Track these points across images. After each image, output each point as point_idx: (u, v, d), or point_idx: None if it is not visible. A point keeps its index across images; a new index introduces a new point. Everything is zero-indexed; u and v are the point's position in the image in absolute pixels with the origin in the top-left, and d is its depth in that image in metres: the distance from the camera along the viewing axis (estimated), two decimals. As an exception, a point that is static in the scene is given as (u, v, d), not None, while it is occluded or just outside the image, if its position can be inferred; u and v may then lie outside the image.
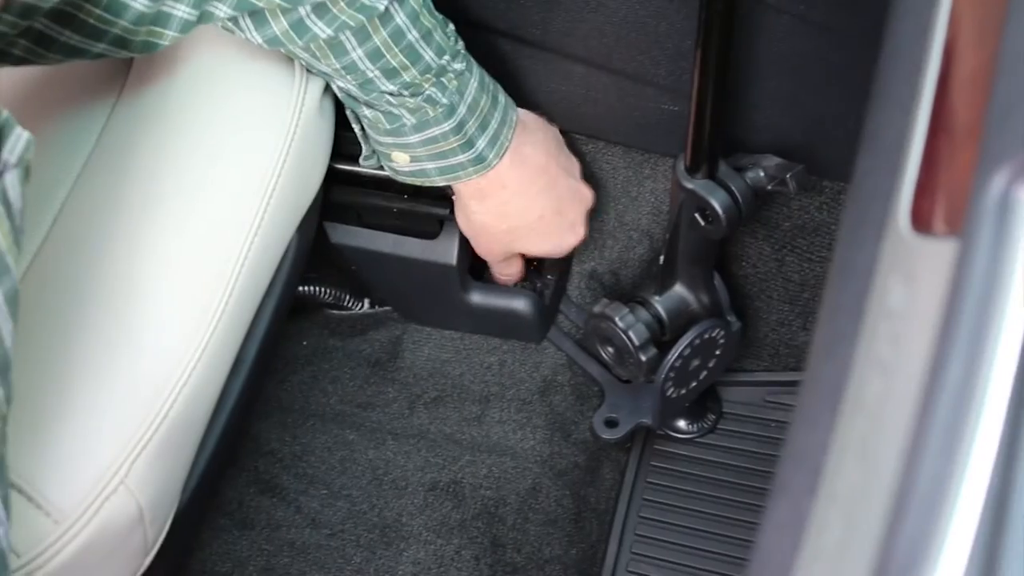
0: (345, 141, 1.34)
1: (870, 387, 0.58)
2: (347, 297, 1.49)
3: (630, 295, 1.33)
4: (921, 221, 0.61)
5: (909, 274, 0.60)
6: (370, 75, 1.13)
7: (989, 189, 0.55)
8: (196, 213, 1.12)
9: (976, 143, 0.59)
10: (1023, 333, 0.51)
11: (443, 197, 1.39)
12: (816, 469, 0.59)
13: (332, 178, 1.32)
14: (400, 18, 1.11)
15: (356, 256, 1.42)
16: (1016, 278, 0.52)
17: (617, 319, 1.29)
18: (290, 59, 1.19)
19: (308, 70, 1.20)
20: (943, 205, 0.61)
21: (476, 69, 1.19)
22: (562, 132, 1.33)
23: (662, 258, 1.29)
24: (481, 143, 1.19)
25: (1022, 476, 0.48)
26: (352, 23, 1.09)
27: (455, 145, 1.18)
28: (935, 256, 0.57)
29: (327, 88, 1.24)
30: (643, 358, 1.29)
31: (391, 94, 1.14)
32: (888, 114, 0.70)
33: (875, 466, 0.54)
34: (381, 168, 1.30)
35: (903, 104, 0.67)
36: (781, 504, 0.61)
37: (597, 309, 1.31)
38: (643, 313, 1.30)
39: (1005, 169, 0.55)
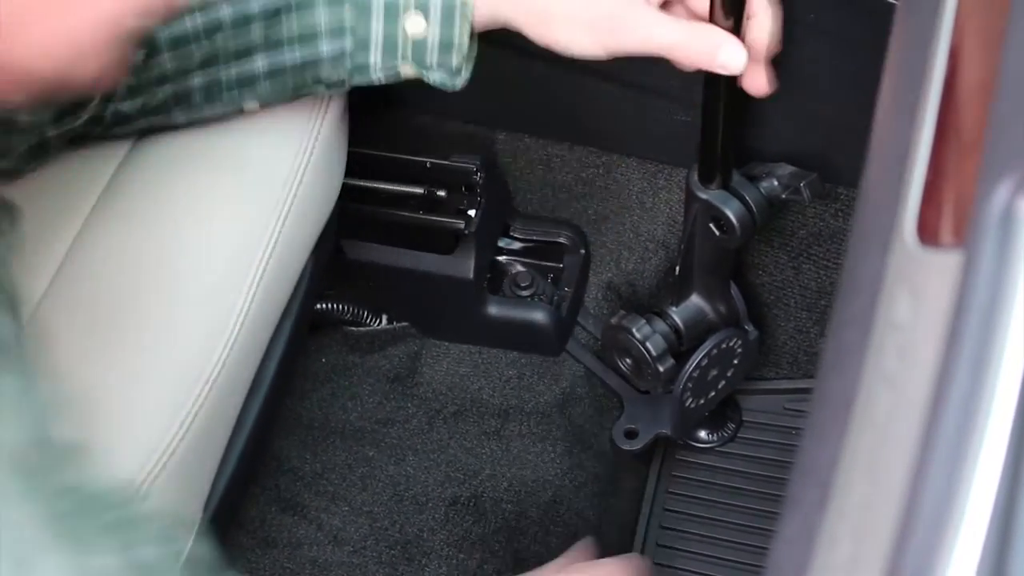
0: (360, 158, 1.35)
1: (878, 401, 0.58)
2: (365, 313, 1.50)
3: (647, 306, 1.33)
4: (927, 233, 0.62)
5: (915, 286, 0.60)
6: None
7: (992, 200, 0.55)
8: (210, 232, 1.12)
9: (980, 154, 0.59)
10: (1027, 345, 0.51)
11: (459, 211, 1.40)
12: (826, 484, 0.59)
13: (348, 195, 1.32)
14: None
15: (373, 272, 1.42)
16: (1019, 290, 0.52)
17: (634, 330, 1.29)
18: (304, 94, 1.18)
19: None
20: (949, 217, 0.61)
21: None
22: (575, 145, 1.33)
23: (678, 268, 1.29)
24: None
25: (1028, 490, 0.48)
26: None
27: None
28: (940, 268, 0.57)
29: (345, 108, 1.24)
30: (661, 369, 1.29)
31: None
32: (893, 125, 0.70)
33: (883, 481, 0.54)
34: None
35: (908, 115, 0.67)
36: (792, 518, 0.61)
37: (614, 321, 1.31)
38: (660, 324, 1.30)
39: (1008, 180, 0.55)
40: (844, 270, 0.69)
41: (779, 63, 1.24)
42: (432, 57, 1.10)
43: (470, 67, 1.13)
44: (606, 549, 1.35)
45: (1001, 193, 0.55)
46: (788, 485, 0.63)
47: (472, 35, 1.10)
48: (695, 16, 1.07)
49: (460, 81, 1.12)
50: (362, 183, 1.39)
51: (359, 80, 1.13)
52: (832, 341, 0.66)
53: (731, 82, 1.13)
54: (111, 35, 0.71)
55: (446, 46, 1.09)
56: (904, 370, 0.57)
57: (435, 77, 1.11)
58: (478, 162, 1.40)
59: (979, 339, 0.52)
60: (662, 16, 1.05)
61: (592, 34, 1.07)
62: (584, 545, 1.20)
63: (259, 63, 1.10)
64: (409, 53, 1.10)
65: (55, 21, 0.69)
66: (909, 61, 0.70)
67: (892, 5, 0.81)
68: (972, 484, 0.49)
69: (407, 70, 1.12)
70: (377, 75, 1.12)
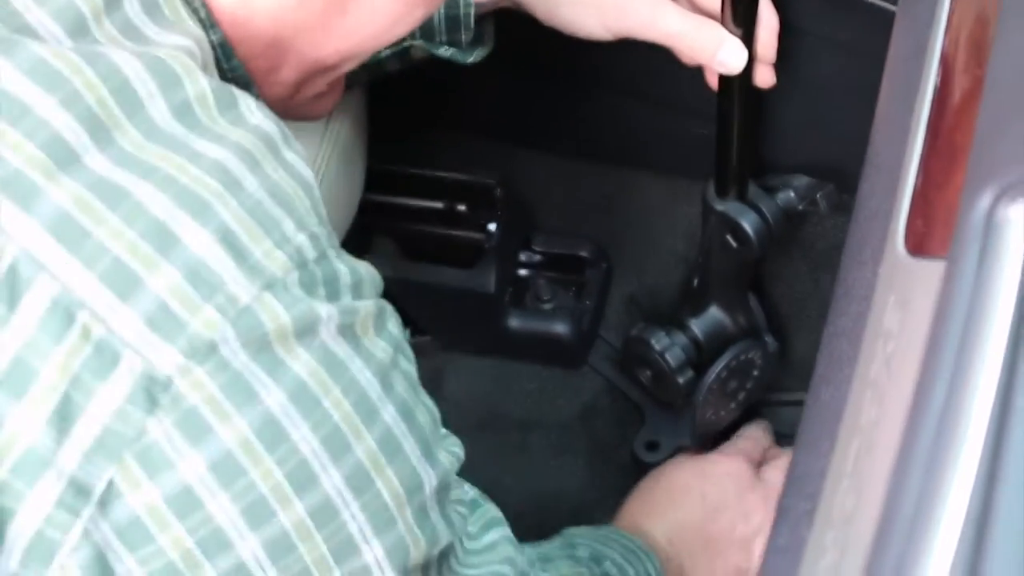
0: (381, 174, 1.36)
1: (865, 411, 0.58)
2: (387, 327, 1.50)
3: (667, 318, 1.34)
4: (917, 243, 0.62)
5: (904, 295, 0.60)
6: None
7: (974, 209, 0.55)
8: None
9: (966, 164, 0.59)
10: (1003, 352, 0.51)
11: (480, 226, 1.40)
12: (815, 493, 0.59)
13: (368, 210, 1.33)
14: None
15: (394, 286, 1.42)
16: (999, 298, 0.52)
17: (653, 342, 1.29)
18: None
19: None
20: (937, 226, 0.61)
21: None
22: (594, 160, 1.33)
23: (696, 281, 1.29)
24: None
25: (1003, 500, 0.48)
26: None
27: None
28: (927, 277, 0.58)
29: (360, 123, 1.24)
30: (680, 381, 1.29)
31: None
32: (887, 135, 0.70)
33: (867, 491, 0.54)
34: None
35: (901, 125, 0.68)
36: (782, 528, 0.61)
37: (634, 333, 1.32)
38: (679, 336, 1.30)
39: (990, 189, 0.55)
40: (839, 280, 0.69)
41: (795, 75, 1.25)
42: (441, 34, 1.10)
43: (488, 46, 1.13)
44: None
45: (983, 202, 0.55)
46: (781, 495, 0.64)
47: (486, 13, 1.11)
48: (700, 12, 1.08)
49: (472, 57, 1.12)
50: (382, 198, 1.39)
51: (370, 63, 1.13)
52: (824, 351, 0.66)
53: (746, 94, 1.13)
54: None
55: (453, 22, 1.10)
56: (890, 380, 0.57)
57: (447, 53, 1.12)
58: (498, 177, 1.40)
59: (958, 348, 0.52)
60: (669, 4, 1.06)
61: (598, 15, 1.08)
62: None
63: None
64: (417, 31, 1.10)
65: None
66: (903, 72, 0.70)
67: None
68: (947, 495, 0.49)
69: (417, 51, 1.12)
70: (387, 54, 1.11)
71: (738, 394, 1.33)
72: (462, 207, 1.41)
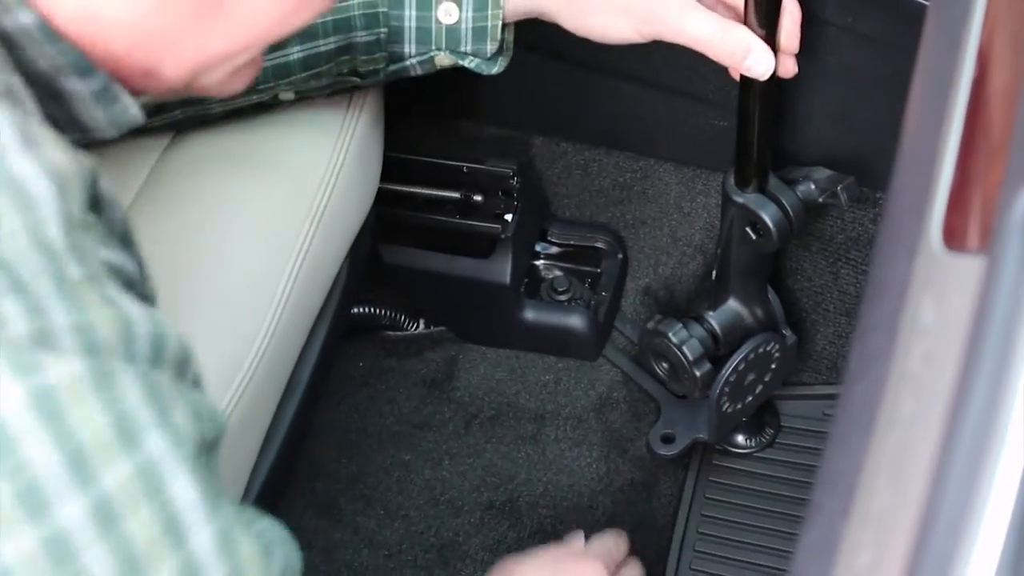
0: (398, 162, 1.35)
1: (902, 407, 0.58)
2: (403, 318, 1.50)
3: (684, 310, 1.33)
4: (953, 238, 0.61)
5: (941, 291, 0.59)
6: None
7: (1015, 205, 0.54)
8: (241, 233, 1.12)
9: (1006, 159, 0.58)
10: (1049, 351, 0.50)
11: (496, 216, 1.40)
12: (849, 490, 0.58)
13: (385, 199, 1.32)
14: None
15: (410, 276, 1.42)
16: (1042, 296, 0.51)
17: (671, 335, 1.29)
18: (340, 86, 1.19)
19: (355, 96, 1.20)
20: (974, 221, 0.61)
21: None
22: (613, 149, 1.33)
23: (715, 273, 1.28)
24: None
25: (1048, 497, 0.48)
26: None
27: None
28: (965, 273, 0.57)
29: (380, 109, 1.24)
30: (697, 373, 1.29)
31: None
32: (922, 128, 0.69)
33: (904, 487, 0.54)
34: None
35: (936, 118, 0.67)
36: (815, 525, 0.61)
37: (651, 325, 1.31)
38: (697, 328, 1.29)
39: (1031, 185, 0.54)
40: (871, 274, 0.69)
41: (816, 67, 1.24)
42: (466, 44, 1.11)
43: (509, 54, 1.13)
44: (643, 555, 1.35)
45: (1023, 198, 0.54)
46: (812, 492, 0.63)
47: (508, 23, 1.11)
48: (734, 14, 1.08)
49: (496, 68, 1.13)
50: (399, 187, 1.39)
51: (395, 69, 1.13)
52: (858, 346, 0.65)
53: (768, 86, 1.12)
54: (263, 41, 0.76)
55: (479, 33, 1.10)
56: (928, 376, 0.56)
57: (471, 64, 1.12)
58: (515, 166, 1.40)
59: (1000, 344, 0.51)
60: (698, 9, 1.06)
61: (628, 19, 1.08)
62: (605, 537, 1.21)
63: (294, 52, 1.10)
64: (443, 41, 1.10)
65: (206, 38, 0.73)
66: (938, 65, 0.70)
67: (927, 7, 0.80)
68: (991, 491, 0.48)
69: (442, 59, 1.12)
70: (412, 62, 1.12)
71: (755, 387, 1.33)
72: (478, 197, 1.41)
